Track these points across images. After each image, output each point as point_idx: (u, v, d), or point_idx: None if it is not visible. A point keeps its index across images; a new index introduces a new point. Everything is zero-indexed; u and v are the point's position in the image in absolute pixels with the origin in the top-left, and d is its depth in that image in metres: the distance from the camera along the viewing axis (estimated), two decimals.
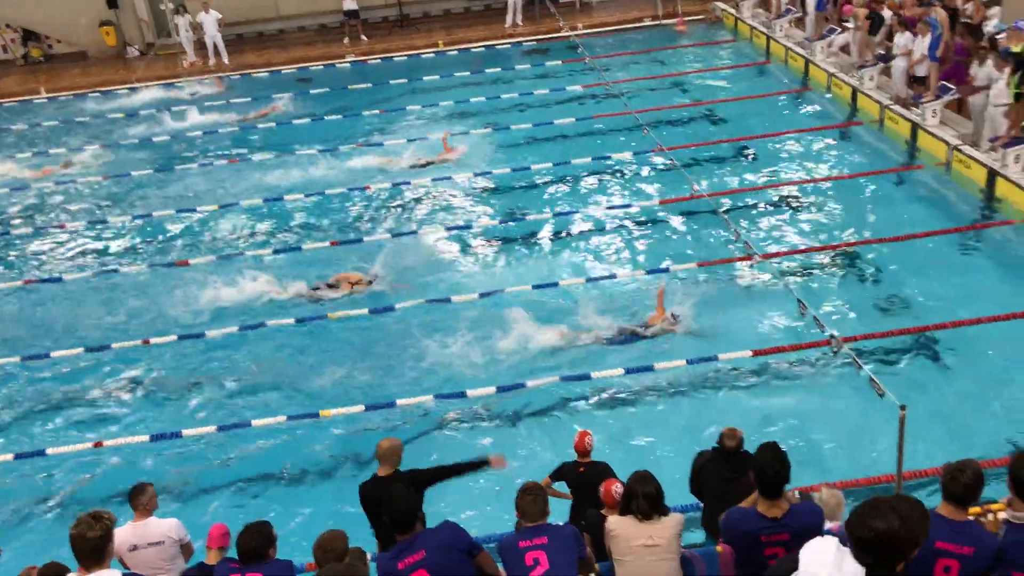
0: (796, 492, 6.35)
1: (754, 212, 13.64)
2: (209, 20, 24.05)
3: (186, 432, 9.88)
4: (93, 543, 4.72)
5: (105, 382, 11.17)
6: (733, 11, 23.91)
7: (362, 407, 9.98)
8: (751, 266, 11.08)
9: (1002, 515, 6.15)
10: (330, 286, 12.58)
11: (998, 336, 10.24)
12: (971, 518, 4.78)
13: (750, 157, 16.00)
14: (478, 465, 6.98)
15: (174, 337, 11.74)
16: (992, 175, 13.42)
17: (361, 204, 15.50)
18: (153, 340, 11.67)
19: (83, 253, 14.79)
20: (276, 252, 13.92)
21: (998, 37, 14.86)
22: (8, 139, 20.69)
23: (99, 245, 15.01)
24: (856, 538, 3.24)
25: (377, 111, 19.93)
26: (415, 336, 11.36)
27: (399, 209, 15.24)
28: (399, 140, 18.03)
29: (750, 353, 10.25)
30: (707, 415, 9.29)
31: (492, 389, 10.12)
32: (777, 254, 12.02)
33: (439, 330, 11.43)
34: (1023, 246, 12.25)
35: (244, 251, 14.10)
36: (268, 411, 10.14)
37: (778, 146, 16.24)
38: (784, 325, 10.69)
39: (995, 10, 17.86)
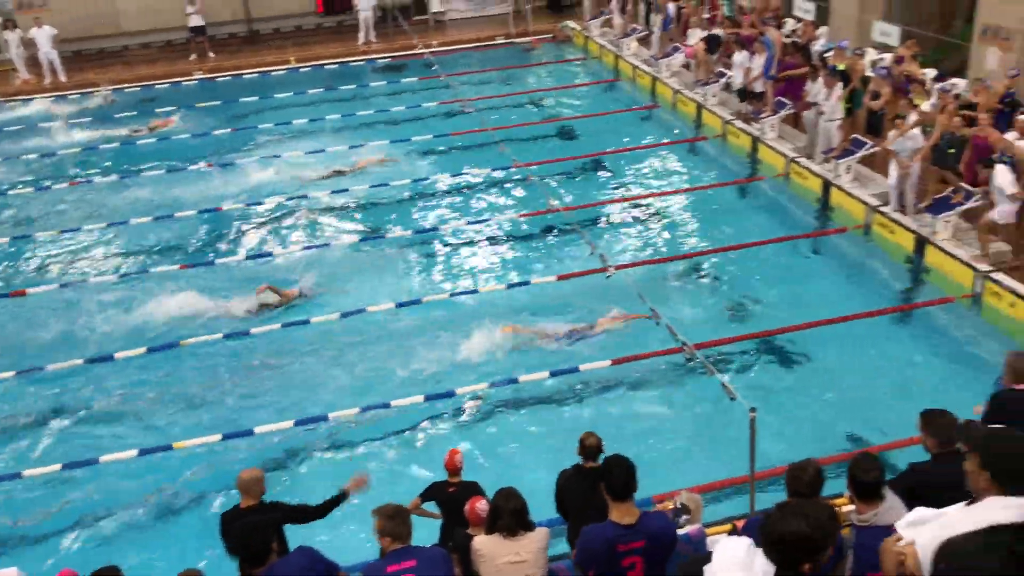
0: (679, 501, 6.45)
1: (608, 225, 14.01)
2: (42, 36, 22.75)
3: (27, 472, 9.28)
4: None
5: None
6: (581, 29, 24.53)
7: (219, 436, 9.64)
8: (607, 277, 11.35)
9: (846, 509, 6.51)
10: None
11: (837, 337, 10.86)
12: None
13: (604, 172, 16.45)
14: (340, 499, 6.82)
15: (11, 374, 11.03)
16: (827, 185, 14.26)
17: (228, 222, 15.09)
18: None
19: None
20: (123, 278, 13.32)
21: (826, 56, 15.85)
22: None
23: None
24: (768, 540, 3.37)
25: (228, 129, 19.40)
26: (275, 359, 11.09)
27: (256, 227, 14.87)
28: (251, 158, 17.61)
29: (609, 363, 10.50)
30: (570, 425, 9.42)
31: (355, 410, 9.98)
32: (631, 264, 12.38)
33: (299, 353, 11.20)
34: (856, 252, 13.03)
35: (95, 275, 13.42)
36: (118, 445, 9.65)
37: (630, 161, 16.76)
38: (640, 334, 11.00)
39: (823, 30, 19.05)
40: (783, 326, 11.04)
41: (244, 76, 23.31)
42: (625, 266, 11.96)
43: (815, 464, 4.88)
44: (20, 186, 17.09)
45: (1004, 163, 11.22)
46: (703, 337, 10.56)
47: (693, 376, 10.16)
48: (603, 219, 14.27)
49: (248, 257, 13.76)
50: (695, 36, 18.90)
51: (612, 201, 15.09)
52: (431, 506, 7.21)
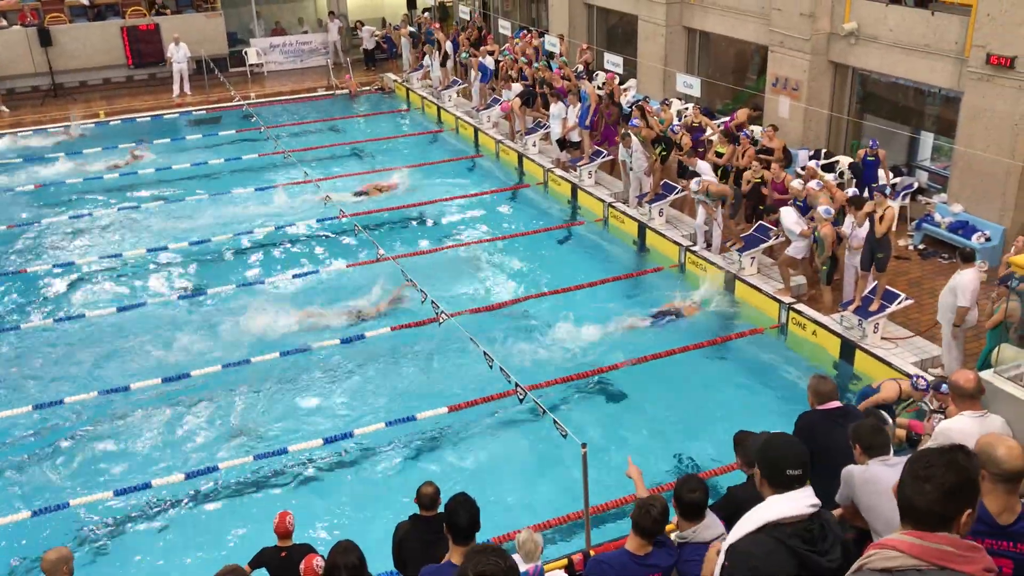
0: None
1: (439, 273, 14.08)
2: None
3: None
4: None
5: None
6: (401, 81, 24.80)
7: (27, 513, 8.96)
8: (439, 324, 11.42)
9: (673, 536, 6.79)
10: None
11: (661, 371, 11.37)
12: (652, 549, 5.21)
13: (432, 221, 16.61)
14: None
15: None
16: (642, 227, 14.99)
17: None
18: None
19: None
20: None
21: (635, 105, 16.76)
22: None
23: None
24: None
25: (31, 186, 18.27)
26: (89, 432, 10.47)
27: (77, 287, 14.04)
28: (58, 217, 16.66)
29: (446, 409, 10.55)
30: (409, 476, 9.38)
31: (181, 476, 9.53)
32: (463, 312, 12.50)
33: (107, 420, 10.64)
34: (671, 289, 13.69)
35: None
36: None
37: (457, 209, 17.01)
38: (475, 379, 11.11)
39: (631, 82, 20.16)
40: (610, 364, 11.45)
41: (48, 130, 22.06)
42: (457, 313, 12.06)
43: (662, 500, 5.07)
44: None
45: (790, 205, 12.24)
46: (535, 379, 10.80)
47: (528, 417, 10.34)
48: (433, 267, 14.33)
49: (57, 320, 12.98)
50: (512, 91, 19.45)
51: (441, 248, 15.23)
52: (261, 573, 6.95)
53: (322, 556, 6.05)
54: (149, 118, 22.95)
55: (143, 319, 13.06)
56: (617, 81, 18.55)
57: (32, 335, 12.64)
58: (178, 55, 24.17)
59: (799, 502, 3.62)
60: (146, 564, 8.56)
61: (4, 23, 24.56)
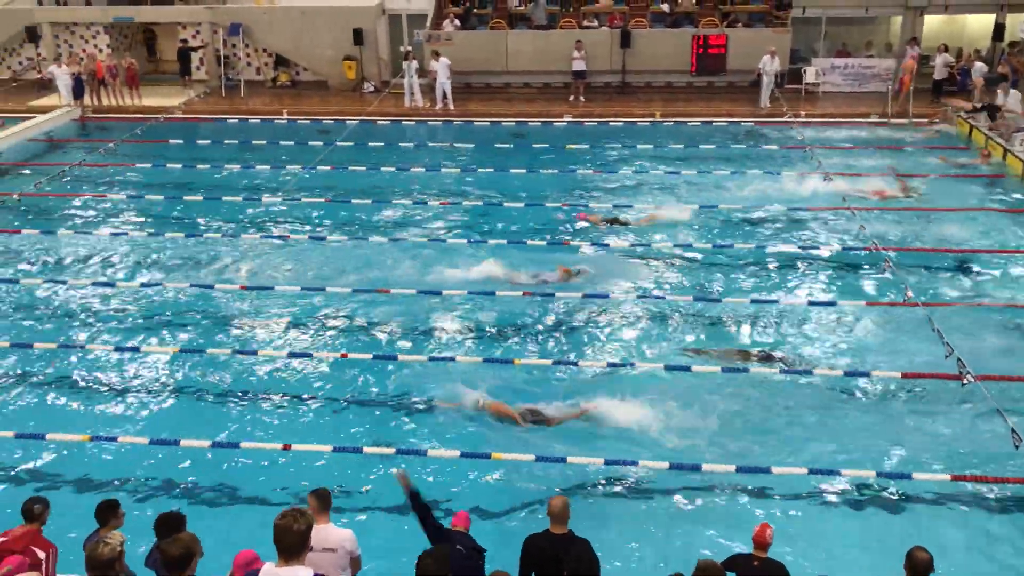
0: None
1: (973, 329, 12.71)
2: (441, 67, 25.43)
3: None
4: (298, 536, 5.02)
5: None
6: (965, 116, 22.79)
7: (532, 456, 10.07)
8: (962, 385, 10.36)
9: None
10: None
11: None
12: None
13: (970, 270, 15.06)
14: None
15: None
16: None
17: None
18: None
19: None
20: None
21: None
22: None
23: None
24: None
25: (591, 170, 20.39)
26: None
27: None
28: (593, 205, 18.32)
29: (948, 477, 9.59)
30: (896, 534, 8.71)
31: (665, 464, 9.95)
32: (994, 377, 11.14)
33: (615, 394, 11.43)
34: None
35: None
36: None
37: (1006, 264, 15.19)
38: (990, 453, 9.90)
39: None
40: None
41: (609, 123, 24.36)
42: (986, 377, 10.78)
43: None
44: None
45: None
46: None
47: None
48: (968, 322, 12.95)
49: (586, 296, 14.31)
50: None
51: (978, 304, 13.67)
52: None
53: None
54: (698, 124, 24.11)
55: (661, 307, 13.83)
56: None
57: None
58: (770, 67, 24.84)
59: None
60: (619, 535, 9.04)
61: (596, 24, 27.54)
